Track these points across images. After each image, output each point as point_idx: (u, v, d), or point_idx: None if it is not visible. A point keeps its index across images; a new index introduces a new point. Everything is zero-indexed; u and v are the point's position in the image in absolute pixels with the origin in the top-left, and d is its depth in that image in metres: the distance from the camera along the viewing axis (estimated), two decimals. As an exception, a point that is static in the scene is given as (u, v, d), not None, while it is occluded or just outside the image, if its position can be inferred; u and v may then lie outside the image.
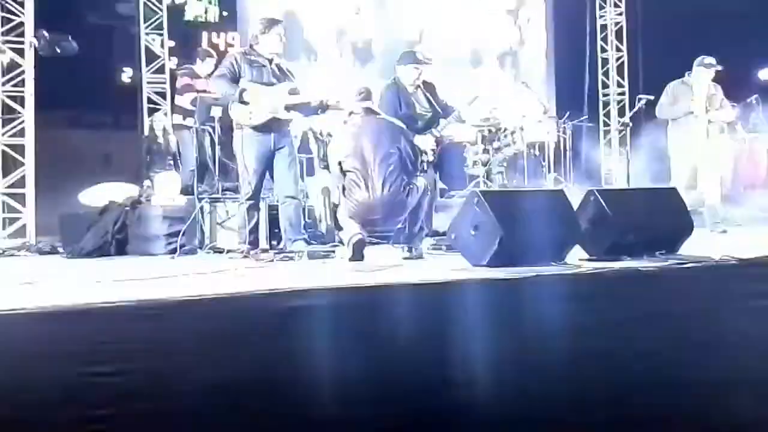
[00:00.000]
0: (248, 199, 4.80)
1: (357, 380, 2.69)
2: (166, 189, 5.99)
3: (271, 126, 4.79)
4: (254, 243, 4.87)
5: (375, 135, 4.50)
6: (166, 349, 2.50)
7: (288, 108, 4.85)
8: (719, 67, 6.52)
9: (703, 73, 6.52)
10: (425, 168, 5.03)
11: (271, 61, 4.88)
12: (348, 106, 4.95)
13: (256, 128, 4.75)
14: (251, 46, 4.93)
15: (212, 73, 6.64)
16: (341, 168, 4.51)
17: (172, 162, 6.97)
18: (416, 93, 5.36)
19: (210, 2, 9.24)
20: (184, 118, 6.73)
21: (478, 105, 6.09)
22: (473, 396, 2.86)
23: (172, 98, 7.49)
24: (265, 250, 4.97)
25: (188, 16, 10.09)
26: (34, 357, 2.33)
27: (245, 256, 4.73)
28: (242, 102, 4.72)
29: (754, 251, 3.93)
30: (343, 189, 4.51)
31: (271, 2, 8.81)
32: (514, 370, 2.96)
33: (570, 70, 10.74)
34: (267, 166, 4.86)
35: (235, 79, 4.77)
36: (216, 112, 5.54)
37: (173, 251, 5.17)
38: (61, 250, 5.82)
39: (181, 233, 5.23)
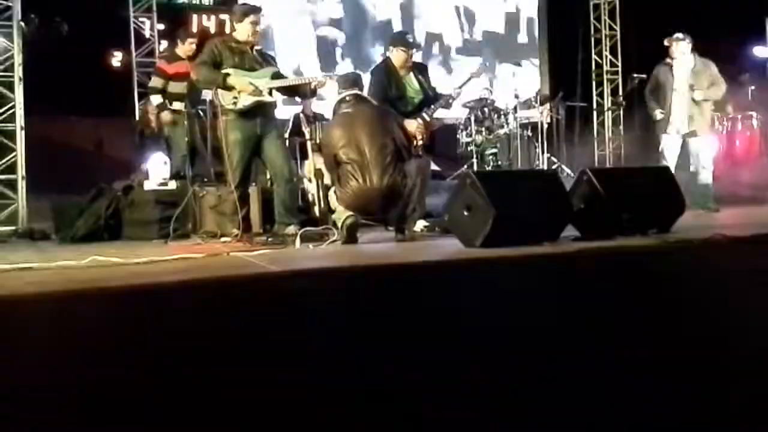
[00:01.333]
0: (237, 187, 4.79)
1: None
2: (158, 173, 5.96)
3: (256, 110, 4.78)
4: (247, 228, 4.87)
5: (369, 125, 4.48)
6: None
7: (272, 91, 4.84)
8: (686, 40, 6.39)
9: (677, 48, 6.42)
10: (419, 152, 5.02)
11: (252, 47, 4.87)
12: (333, 91, 4.90)
13: (241, 113, 4.74)
14: (230, 33, 4.94)
15: (193, 55, 6.59)
16: (336, 158, 4.48)
17: (164, 146, 6.92)
18: (407, 75, 5.35)
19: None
20: (170, 103, 6.64)
21: (472, 85, 6.08)
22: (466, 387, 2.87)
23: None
24: (258, 234, 4.97)
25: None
26: None
27: (239, 240, 4.73)
28: (226, 88, 4.71)
29: (745, 229, 3.95)
30: (338, 179, 4.49)
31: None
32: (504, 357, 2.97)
33: (563, 50, 10.69)
34: (253, 151, 4.85)
35: (217, 65, 4.77)
36: (207, 94, 5.49)
37: (166, 236, 5.16)
38: (53, 236, 5.80)
39: (173, 218, 5.21)
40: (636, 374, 2.91)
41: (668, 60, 6.48)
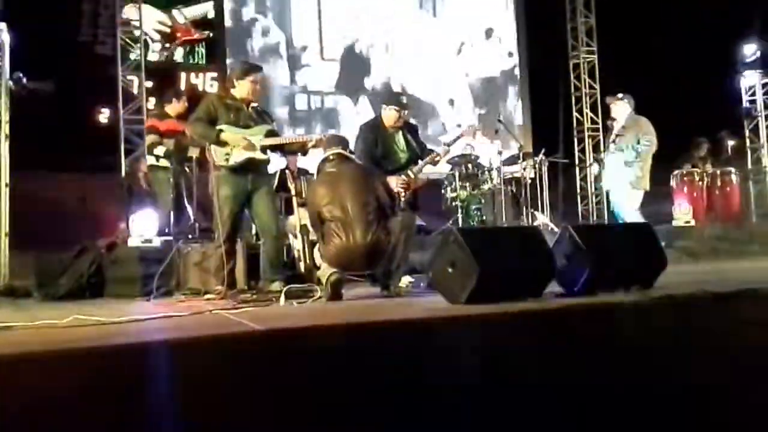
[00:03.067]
0: (225, 241, 4.80)
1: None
2: (143, 230, 5.95)
3: (248, 166, 4.83)
4: (232, 284, 4.85)
5: (352, 183, 4.53)
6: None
7: (265, 149, 4.90)
8: (624, 100, 6.82)
9: (615, 108, 6.84)
10: (402, 207, 5.08)
11: (248, 104, 4.94)
12: (318, 151, 4.97)
13: (232, 169, 4.79)
14: (227, 90, 5.01)
15: (183, 113, 6.71)
16: (320, 216, 4.51)
17: (151, 203, 6.93)
18: (396, 134, 5.50)
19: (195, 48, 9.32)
20: (157, 160, 6.71)
21: (461, 143, 6.26)
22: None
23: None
24: (242, 291, 4.95)
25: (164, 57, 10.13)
26: None
27: (222, 298, 4.70)
28: (219, 143, 4.77)
29: (727, 285, 3.98)
30: (322, 236, 4.51)
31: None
32: (490, 411, 2.95)
33: (544, 109, 10.91)
34: (242, 207, 4.87)
35: (212, 121, 4.82)
36: (194, 152, 5.55)
37: (149, 293, 5.12)
38: (35, 294, 5.73)
39: (157, 275, 5.18)
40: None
41: (610, 120, 6.90)
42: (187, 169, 6.21)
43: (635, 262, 4.15)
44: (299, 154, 5.44)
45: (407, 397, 2.81)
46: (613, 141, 6.70)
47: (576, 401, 3.10)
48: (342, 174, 4.60)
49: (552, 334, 3.32)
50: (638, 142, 6.65)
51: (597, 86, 10.96)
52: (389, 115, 5.45)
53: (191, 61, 9.54)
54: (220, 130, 4.77)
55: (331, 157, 4.72)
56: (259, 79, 5.00)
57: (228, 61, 9.43)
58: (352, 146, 5.23)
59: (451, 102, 10.66)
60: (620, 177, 6.74)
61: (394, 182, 5.15)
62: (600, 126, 10.75)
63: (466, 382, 2.95)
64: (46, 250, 6.11)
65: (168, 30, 9.43)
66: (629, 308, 3.57)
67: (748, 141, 10.30)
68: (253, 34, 9.68)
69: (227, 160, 4.77)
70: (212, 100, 4.94)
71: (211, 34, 9.58)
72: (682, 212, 8.31)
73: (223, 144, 4.76)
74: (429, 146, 6.06)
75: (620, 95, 6.93)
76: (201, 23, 9.67)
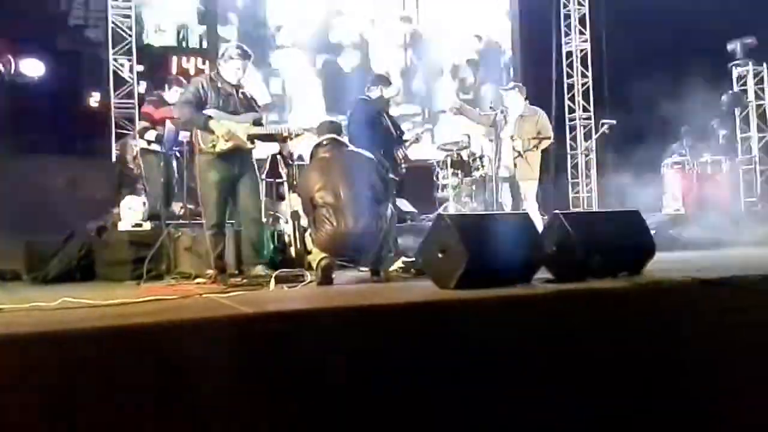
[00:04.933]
0: (213, 226, 4.79)
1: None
2: (133, 214, 5.94)
3: (234, 153, 4.82)
4: (222, 269, 4.86)
5: (345, 168, 4.52)
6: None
7: (251, 138, 4.88)
8: (515, 89, 6.71)
9: (507, 97, 6.70)
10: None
11: (237, 89, 4.91)
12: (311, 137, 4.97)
13: (218, 155, 4.77)
14: (218, 72, 4.96)
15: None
16: (312, 202, 4.50)
17: (142, 187, 6.91)
18: (384, 114, 5.61)
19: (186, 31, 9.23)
20: (148, 144, 6.68)
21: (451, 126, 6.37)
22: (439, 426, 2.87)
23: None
24: (233, 275, 4.95)
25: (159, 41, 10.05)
26: None
27: (213, 282, 4.70)
28: (207, 129, 4.74)
29: (714, 272, 4.01)
30: (314, 221, 4.51)
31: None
32: (479, 396, 2.97)
33: (537, 97, 10.90)
34: (229, 192, 4.87)
35: (201, 105, 4.79)
36: (184, 136, 5.52)
37: (139, 277, 5.12)
38: (24, 277, 5.72)
39: (147, 259, 5.17)
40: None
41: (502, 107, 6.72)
42: (178, 153, 6.18)
43: (624, 249, 4.18)
44: (284, 143, 5.44)
45: (396, 379, 2.83)
46: (511, 137, 6.53)
47: (563, 385, 3.13)
48: (335, 160, 4.59)
49: (540, 319, 3.35)
50: (538, 133, 6.53)
51: (589, 74, 10.97)
52: (379, 94, 5.57)
53: (183, 46, 9.47)
54: (209, 117, 4.74)
55: (324, 143, 4.71)
56: (244, 66, 4.93)
57: (221, 44, 9.37)
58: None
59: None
60: (521, 166, 6.57)
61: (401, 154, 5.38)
62: (591, 114, 10.78)
63: (455, 365, 2.97)
64: (36, 233, 6.10)
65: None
66: (617, 294, 3.60)
67: (738, 131, 10.35)
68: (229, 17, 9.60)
69: (214, 146, 4.75)
70: (202, 82, 4.90)
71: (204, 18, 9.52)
72: (672, 201, 8.35)
73: (210, 130, 4.74)
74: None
75: (511, 84, 6.85)
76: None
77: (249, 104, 4.99)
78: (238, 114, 4.88)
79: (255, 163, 5.13)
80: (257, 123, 4.97)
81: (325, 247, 4.41)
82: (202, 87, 4.84)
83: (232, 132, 4.76)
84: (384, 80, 5.74)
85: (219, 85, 4.87)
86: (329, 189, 4.43)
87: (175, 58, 9.65)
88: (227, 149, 4.77)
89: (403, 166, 5.69)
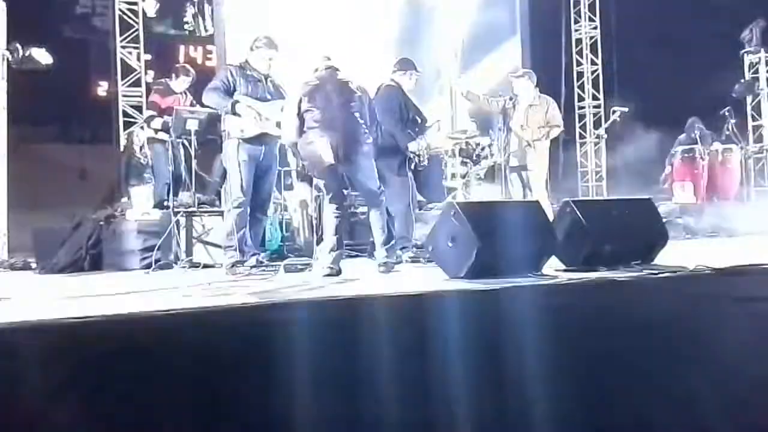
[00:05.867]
0: (240, 204, 4.76)
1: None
2: (141, 203, 5.92)
3: (262, 140, 4.83)
4: (242, 251, 4.79)
5: (337, 87, 4.53)
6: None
7: (280, 124, 4.86)
8: (525, 77, 6.47)
9: (517, 84, 6.47)
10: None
11: (267, 76, 4.92)
12: None
13: (247, 140, 4.78)
14: (247, 60, 4.96)
15: (186, 89, 6.65)
16: (303, 124, 4.49)
17: (150, 176, 6.89)
18: (409, 99, 5.55)
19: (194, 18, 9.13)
20: (155, 133, 6.65)
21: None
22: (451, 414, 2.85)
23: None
24: (240, 263, 4.92)
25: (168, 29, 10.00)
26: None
27: (232, 266, 4.68)
28: (234, 114, 4.75)
29: (726, 260, 3.97)
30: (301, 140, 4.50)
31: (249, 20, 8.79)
32: (491, 386, 2.95)
33: (546, 84, 10.82)
34: (253, 175, 4.86)
35: (229, 91, 4.81)
36: (192, 125, 5.49)
37: (148, 266, 5.11)
38: (34, 265, 5.73)
39: (156, 248, 5.16)
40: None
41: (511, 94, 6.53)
42: (185, 141, 6.15)
43: (636, 238, 4.14)
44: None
45: (402, 367, 2.81)
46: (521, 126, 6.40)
47: (573, 374, 3.11)
48: (328, 79, 4.56)
49: (551, 308, 3.32)
50: (548, 122, 6.41)
51: (599, 61, 10.87)
52: (406, 80, 5.49)
53: (191, 35, 9.41)
54: (236, 101, 4.76)
55: (318, 68, 4.66)
56: (270, 55, 4.92)
57: (227, 34, 9.32)
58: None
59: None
60: (530, 155, 6.45)
61: (422, 145, 5.34)
62: (601, 102, 10.69)
63: (464, 352, 2.95)
64: (45, 220, 6.10)
65: None
66: (629, 283, 3.57)
67: (750, 119, 10.24)
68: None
69: (242, 131, 4.77)
70: (231, 70, 4.92)
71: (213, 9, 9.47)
72: (683, 190, 8.28)
73: (238, 115, 4.75)
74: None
75: (521, 71, 6.66)
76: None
77: (278, 92, 4.98)
78: (267, 101, 4.88)
79: (278, 155, 5.12)
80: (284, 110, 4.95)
81: (316, 163, 4.44)
82: (231, 74, 4.86)
83: (258, 115, 4.76)
84: (410, 64, 5.60)
85: (248, 72, 4.87)
86: (319, 108, 4.44)
87: (182, 47, 9.64)
88: (255, 135, 4.78)
89: (425, 156, 5.56)
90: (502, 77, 10.44)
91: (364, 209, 6.44)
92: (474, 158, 8.27)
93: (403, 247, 5.10)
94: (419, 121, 5.57)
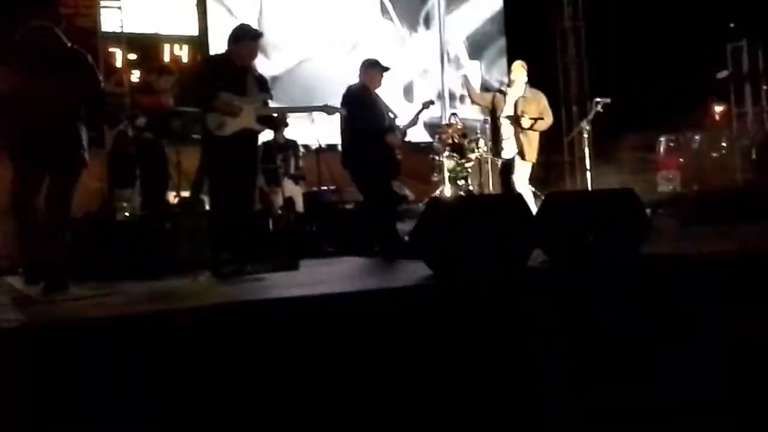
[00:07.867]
0: (216, 209, 4.72)
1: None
2: (126, 204, 5.91)
3: (242, 137, 4.70)
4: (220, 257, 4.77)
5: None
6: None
7: (262, 120, 4.77)
8: (517, 63, 6.52)
9: (512, 74, 6.52)
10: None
11: (248, 71, 4.78)
12: None
13: (226, 138, 4.65)
14: (228, 54, 4.82)
15: (169, 88, 6.60)
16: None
17: (135, 176, 6.86)
18: (378, 97, 5.57)
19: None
20: (140, 132, 6.61)
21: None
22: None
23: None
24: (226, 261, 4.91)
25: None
26: None
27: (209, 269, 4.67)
28: (212, 109, 4.61)
29: (713, 249, 4.01)
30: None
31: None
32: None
33: (531, 76, 10.84)
34: (232, 175, 4.79)
35: (209, 86, 4.64)
36: (175, 123, 5.46)
37: (135, 268, 5.08)
38: (20, 270, 5.68)
39: (143, 248, 5.14)
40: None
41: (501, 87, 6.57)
42: (169, 140, 6.12)
43: (619, 229, 4.16)
44: (283, 127, 5.38)
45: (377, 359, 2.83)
46: (519, 115, 6.40)
47: (556, 363, 3.14)
48: None
49: (534, 300, 3.35)
50: (539, 114, 6.41)
51: (583, 53, 10.91)
52: (374, 79, 5.50)
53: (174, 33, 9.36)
54: (214, 97, 4.65)
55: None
56: (253, 47, 4.81)
57: (211, 33, 9.29)
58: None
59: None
60: (518, 148, 6.45)
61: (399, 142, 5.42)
62: (586, 93, 10.73)
63: (447, 347, 2.98)
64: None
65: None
66: (610, 273, 3.60)
67: (733, 106, 10.31)
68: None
69: (221, 128, 4.64)
70: (211, 64, 4.78)
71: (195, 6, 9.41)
72: (668, 178, 8.34)
73: (218, 111, 4.67)
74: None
75: (518, 62, 6.62)
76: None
77: (260, 86, 4.87)
78: (248, 96, 4.75)
79: (260, 150, 5.04)
80: (266, 105, 4.87)
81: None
82: (210, 68, 4.75)
83: (238, 111, 4.63)
84: (378, 65, 5.60)
85: (229, 66, 4.74)
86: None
87: (167, 46, 9.55)
88: (236, 131, 4.65)
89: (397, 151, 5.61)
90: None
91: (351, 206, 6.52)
92: (461, 152, 8.32)
93: None
94: (388, 117, 5.61)
